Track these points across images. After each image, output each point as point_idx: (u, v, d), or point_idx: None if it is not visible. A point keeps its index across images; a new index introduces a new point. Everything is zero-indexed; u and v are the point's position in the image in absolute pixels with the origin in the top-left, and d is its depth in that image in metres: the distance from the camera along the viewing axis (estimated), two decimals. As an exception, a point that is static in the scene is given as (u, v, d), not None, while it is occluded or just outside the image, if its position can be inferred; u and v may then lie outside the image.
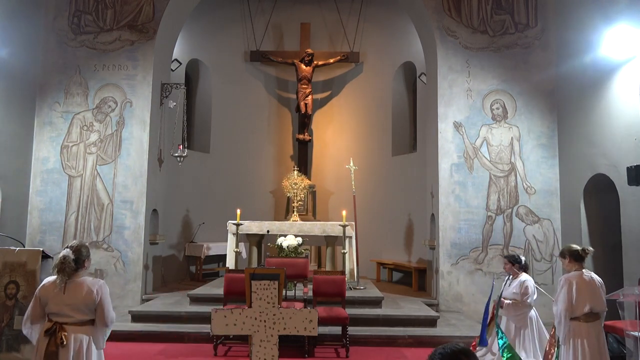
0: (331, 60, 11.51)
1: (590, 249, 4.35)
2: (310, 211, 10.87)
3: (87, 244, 3.52)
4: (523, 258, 5.55)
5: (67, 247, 3.35)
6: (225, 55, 11.62)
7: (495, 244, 8.14)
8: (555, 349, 5.08)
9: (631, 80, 6.40)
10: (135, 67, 8.51)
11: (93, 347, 3.29)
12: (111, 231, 8.21)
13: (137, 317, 6.97)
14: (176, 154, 8.77)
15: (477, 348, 5.67)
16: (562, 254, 4.42)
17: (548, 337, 5.25)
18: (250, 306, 3.57)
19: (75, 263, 3.28)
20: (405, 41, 10.91)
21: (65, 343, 3.18)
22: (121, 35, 8.59)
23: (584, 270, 4.28)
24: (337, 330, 6.36)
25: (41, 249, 4.82)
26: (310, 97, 11.32)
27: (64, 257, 3.25)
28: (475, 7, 8.64)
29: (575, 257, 4.30)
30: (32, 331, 3.35)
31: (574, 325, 4.16)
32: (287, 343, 5.80)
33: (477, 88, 8.47)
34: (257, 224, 8.46)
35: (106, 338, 3.40)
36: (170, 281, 9.82)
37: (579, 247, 4.35)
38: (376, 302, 7.35)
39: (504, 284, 5.57)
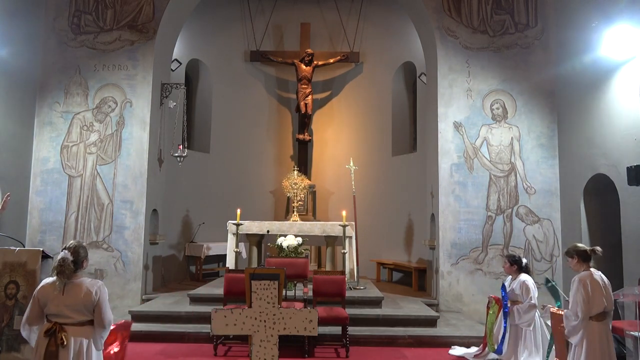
0: (331, 60, 11.51)
1: (600, 249, 4.30)
2: (310, 211, 10.87)
3: (84, 244, 3.52)
4: (524, 260, 5.51)
5: (64, 249, 3.35)
6: (225, 55, 11.62)
7: (495, 244, 8.14)
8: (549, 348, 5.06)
9: (631, 80, 6.40)
10: (135, 67, 8.52)
11: (93, 347, 3.31)
12: (111, 231, 8.21)
13: (137, 317, 6.95)
14: (176, 154, 8.77)
15: (486, 350, 5.66)
16: (570, 254, 4.37)
17: (549, 338, 5.25)
18: (250, 306, 3.57)
19: (74, 264, 3.29)
20: (405, 41, 10.91)
21: (65, 343, 3.18)
22: (121, 35, 8.59)
23: (591, 269, 4.27)
24: (337, 330, 6.37)
25: (41, 249, 4.83)
26: (310, 97, 11.32)
27: (63, 259, 3.25)
28: (475, 7, 8.64)
29: (584, 257, 4.28)
30: (31, 333, 3.33)
31: (587, 325, 4.13)
32: (287, 343, 5.81)
33: (477, 88, 8.47)
34: (257, 224, 8.46)
35: (104, 340, 3.41)
36: (170, 281, 9.82)
37: (586, 247, 4.32)
38: (376, 302, 7.35)
39: (502, 285, 5.57)
